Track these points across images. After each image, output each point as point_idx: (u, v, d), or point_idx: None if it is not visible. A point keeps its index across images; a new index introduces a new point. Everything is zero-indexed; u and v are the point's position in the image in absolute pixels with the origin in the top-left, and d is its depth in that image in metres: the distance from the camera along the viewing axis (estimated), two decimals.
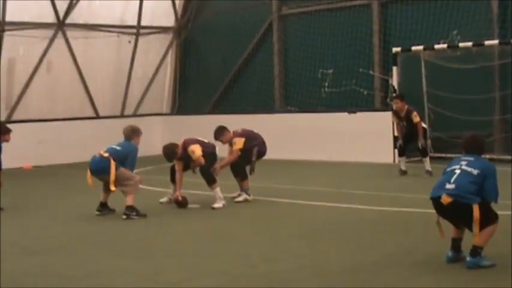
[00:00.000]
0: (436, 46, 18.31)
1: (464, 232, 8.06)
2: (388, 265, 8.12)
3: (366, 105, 20.44)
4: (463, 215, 7.73)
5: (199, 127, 22.78)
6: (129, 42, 24.37)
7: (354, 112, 19.86)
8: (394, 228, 10.33)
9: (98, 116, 23.65)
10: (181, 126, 22.26)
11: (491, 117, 18.19)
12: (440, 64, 18.39)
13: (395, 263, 8.17)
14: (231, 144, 13.48)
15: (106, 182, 11.92)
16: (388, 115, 18.17)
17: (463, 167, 7.97)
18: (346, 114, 19.93)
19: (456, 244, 8.05)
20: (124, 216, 11.62)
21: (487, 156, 16.84)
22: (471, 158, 8.07)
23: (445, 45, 18.21)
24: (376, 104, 20.38)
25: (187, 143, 12.85)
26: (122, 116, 24.01)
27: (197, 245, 9.62)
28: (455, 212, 7.81)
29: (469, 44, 17.72)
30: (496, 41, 17.63)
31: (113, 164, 11.69)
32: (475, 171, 7.87)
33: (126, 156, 11.93)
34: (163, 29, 25.39)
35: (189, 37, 25.57)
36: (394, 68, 18.88)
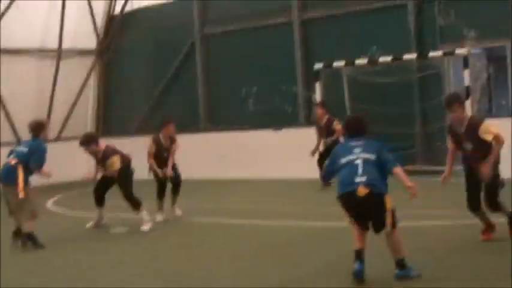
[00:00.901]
0: (357, 61, 18.60)
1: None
2: (315, 281, 8.18)
3: (290, 121, 20.62)
4: (376, 207, 7.70)
5: (124, 149, 22.61)
6: (51, 65, 24.07)
7: (280, 129, 20.01)
8: (322, 243, 10.41)
9: (19, 142, 23.18)
10: None
11: (413, 130, 18.54)
12: (361, 79, 18.67)
13: (323, 279, 8.24)
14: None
15: (11, 203, 11.20)
16: (313, 131, 18.40)
17: (362, 155, 7.88)
18: (271, 131, 20.05)
19: (362, 255, 7.95)
20: (20, 244, 11.14)
21: (410, 168, 17.30)
22: (361, 142, 8.02)
23: (365, 61, 18.52)
24: (300, 120, 20.58)
25: (108, 152, 12.55)
26: (45, 140, 23.58)
27: (136, 269, 9.52)
28: (369, 204, 7.72)
29: (388, 58, 18.06)
30: (414, 55, 18.02)
31: (19, 168, 11.08)
32: (373, 156, 7.88)
33: (32, 155, 11.27)
34: (85, 52, 25.17)
35: (111, 59, 25.42)
36: (317, 84, 19.12)
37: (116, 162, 12.42)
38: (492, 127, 9.05)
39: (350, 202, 7.85)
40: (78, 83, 24.98)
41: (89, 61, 25.33)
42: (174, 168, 13.64)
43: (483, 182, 9.01)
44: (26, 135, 23.11)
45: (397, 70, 18.13)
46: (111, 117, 25.38)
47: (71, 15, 24.11)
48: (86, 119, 25.57)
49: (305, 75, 20.47)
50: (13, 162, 11.25)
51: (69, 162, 21.45)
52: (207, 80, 22.94)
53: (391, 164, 7.92)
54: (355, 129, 8.16)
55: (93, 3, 24.88)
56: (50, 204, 17.05)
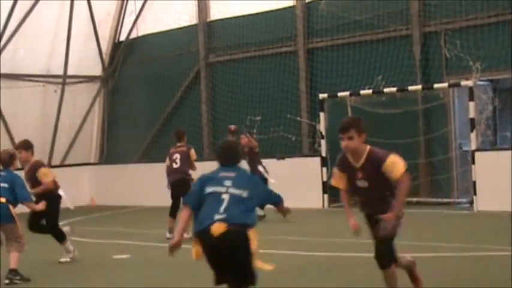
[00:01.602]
0: (362, 92, 18.59)
1: None
2: None
3: (294, 151, 20.57)
4: (238, 248, 6.45)
5: (128, 176, 22.71)
6: (55, 91, 24.14)
7: (283, 158, 19.96)
8: (322, 273, 10.33)
9: (23, 167, 23.12)
10: (109, 176, 22.06)
11: (417, 161, 18.48)
12: (366, 109, 18.64)
13: None
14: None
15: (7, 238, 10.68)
16: (316, 161, 18.51)
17: (231, 190, 6.67)
18: (275, 160, 19.98)
19: None
20: (7, 281, 10.52)
21: (414, 199, 17.23)
22: (232, 174, 6.81)
23: (370, 91, 18.50)
24: (304, 149, 20.53)
25: (38, 164, 12.05)
26: (49, 166, 23.59)
27: None
28: (228, 245, 6.44)
29: (394, 89, 18.06)
30: (419, 86, 18.02)
31: (11, 207, 10.63)
32: (245, 193, 6.67)
33: (13, 189, 10.80)
34: (90, 78, 25.25)
35: (116, 86, 25.47)
36: (322, 114, 19.09)
37: (48, 174, 11.93)
38: (401, 164, 7.13)
39: (205, 243, 6.54)
40: (83, 110, 25.03)
41: (94, 88, 25.39)
42: None
43: (382, 234, 7.02)
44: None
45: (402, 101, 18.13)
46: (114, 144, 25.35)
47: (76, 42, 24.21)
48: (90, 145, 25.57)
49: (309, 104, 20.46)
50: (2, 200, 10.69)
51: (72, 189, 21.44)
52: (211, 108, 22.94)
53: (274, 198, 7.20)
54: (230, 157, 7.01)
55: (99, 30, 24.97)
56: None
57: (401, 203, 7.06)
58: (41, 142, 23.82)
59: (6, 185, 10.82)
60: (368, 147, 7.24)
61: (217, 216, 6.45)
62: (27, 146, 12.11)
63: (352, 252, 11.13)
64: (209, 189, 6.69)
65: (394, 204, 6.99)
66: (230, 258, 6.47)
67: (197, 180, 6.96)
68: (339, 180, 7.50)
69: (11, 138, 23.02)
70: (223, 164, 6.93)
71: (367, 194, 7.23)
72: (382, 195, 7.13)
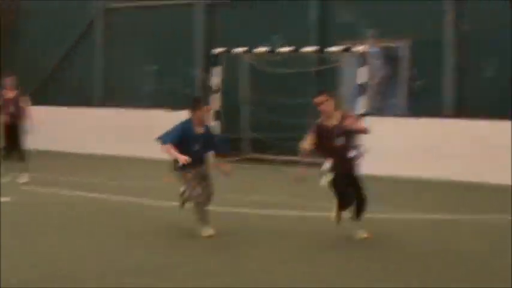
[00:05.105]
0: (257, 50, 18.69)
1: None
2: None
3: (186, 103, 20.45)
4: None
5: None
6: None
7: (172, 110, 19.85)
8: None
9: None
10: None
11: (306, 121, 18.74)
12: (261, 68, 18.75)
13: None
14: None
15: None
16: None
17: None
18: (165, 112, 19.84)
19: None
20: None
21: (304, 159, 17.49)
22: None
23: (265, 49, 18.61)
24: None
25: None
26: None
27: None
28: None
29: (288, 49, 18.20)
30: (312, 48, 18.20)
31: None
32: None
33: None
34: None
35: (8, 22, 24.66)
36: (215, 69, 19.11)
37: None
38: None
39: None
40: None
41: None
42: None
43: None
44: None
45: (296, 61, 18.30)
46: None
47: None
48: None
49: (205, 58, 20.40)
50: None
51: None
52: (106, 54, 22.56)
53: None
54: None
55: None
56: None
57: None
58: None
59: None
60: None
61: None
62: None
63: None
64: None
65: None
66: None
67: None
68: None
69: None
70: None
71: None
72: None
